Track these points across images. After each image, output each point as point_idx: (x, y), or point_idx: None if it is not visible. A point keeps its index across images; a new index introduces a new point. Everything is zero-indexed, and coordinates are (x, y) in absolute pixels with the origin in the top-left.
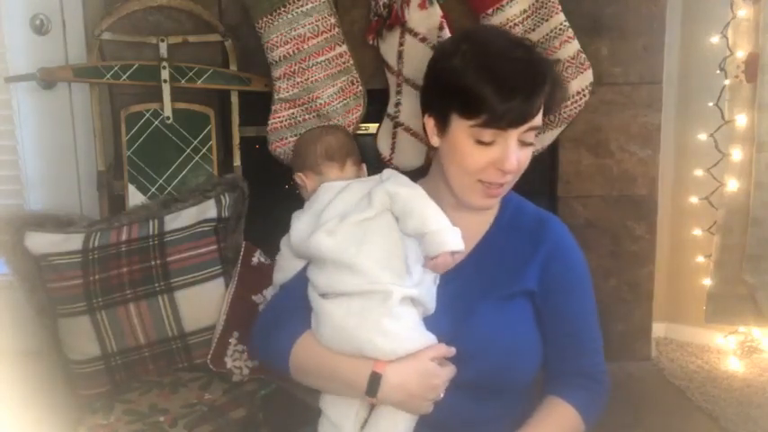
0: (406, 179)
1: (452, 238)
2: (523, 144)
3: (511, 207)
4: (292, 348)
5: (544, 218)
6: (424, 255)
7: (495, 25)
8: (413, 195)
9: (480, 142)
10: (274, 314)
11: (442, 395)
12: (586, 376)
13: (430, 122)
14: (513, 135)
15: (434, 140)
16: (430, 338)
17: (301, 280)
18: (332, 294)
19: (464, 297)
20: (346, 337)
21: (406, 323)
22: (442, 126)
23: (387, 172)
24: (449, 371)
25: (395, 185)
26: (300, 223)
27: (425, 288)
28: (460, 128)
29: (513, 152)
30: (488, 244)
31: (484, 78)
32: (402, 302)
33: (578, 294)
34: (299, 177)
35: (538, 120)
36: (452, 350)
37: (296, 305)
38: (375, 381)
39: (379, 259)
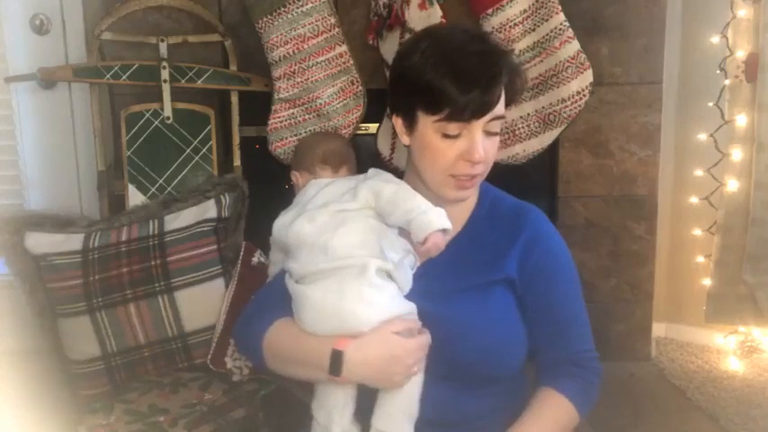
0: (390, 176)
1: (438, 216)
2: (489, 134)
3: (489, 198)
4: (264, 337)
5: (522, 208)
6: (415, 242)
7: (458, 23)
8: (397, 189)
9: (447, 136)
10: (254, 308)
11: (415, 369)
12: (577, 364)
13: (398, 122)
14: (478, 126)
15: (405, 139)
16: (410, 306)
17: (282, 274)
18: (308, 277)
19: (443, 287)
20: (328, 315)
21: (387, 292)
22: (410, 124)
23: (372, 170)
24: (416, 342)
25: (380, 182)
26: (285, 216)
27: (402, 270)
28: (426, 124)
29: (479, 143)
30: (468, 235)
31: (442, 73)
32: (379, 274)
33: (560, 281)
34: (294, 175)
35: (500, 109)
36: (412, 324)
37: (275, 298)
38: (337, 358)
39: (354, 242)
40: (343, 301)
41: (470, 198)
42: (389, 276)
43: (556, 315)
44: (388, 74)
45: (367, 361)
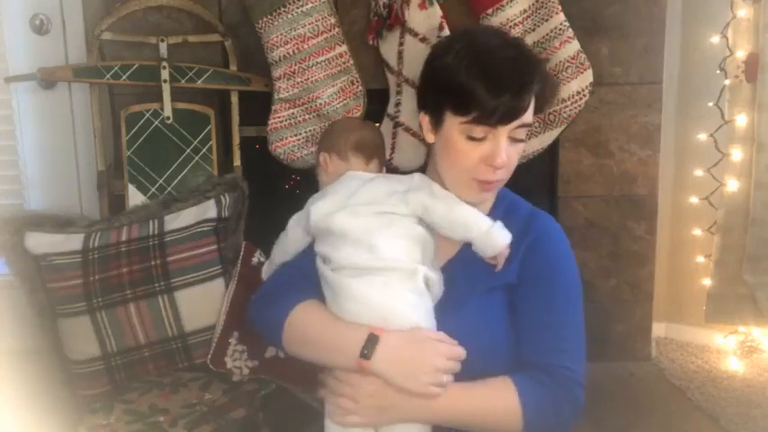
0: (437, 188)
1: (501, 234)
2: (514, 140)
3: (505, 203)
4: (287, 317)
5: (534, 214)
6: (481, 256)
7: (492, 26)
8: (448, 206)
9: (472, 138)
10: (275, 287)
11: (443, 379)
12: (549, 375)
13: (425, 119)
14: (504, 132)
15: (429, 137)
16: (434, 323)
17: (306, 257)
18: (351, 270)
19: (451, 292)
20: (371, 309)
21: (427, 302)
22: (436, 123)
23: (418, 178)
24: (449, 347)
25: (429, 197)
26: (324, 203)
27: (438, 285)
28: (453, 125)
29: (503, 148)
30: None
31: (474, 76)
32: (424, 281)
33: (551, 288)
34: (323, 156)
35: (528, 117)
36: (445, 336)
37: (298, 281)
38: (372, 342)
39: (400, 247)
40: (386, 298)
41: (486, 202)
42: (428, 287)
43: (540, 319)
44: (388, 74)
45: (398, 352)
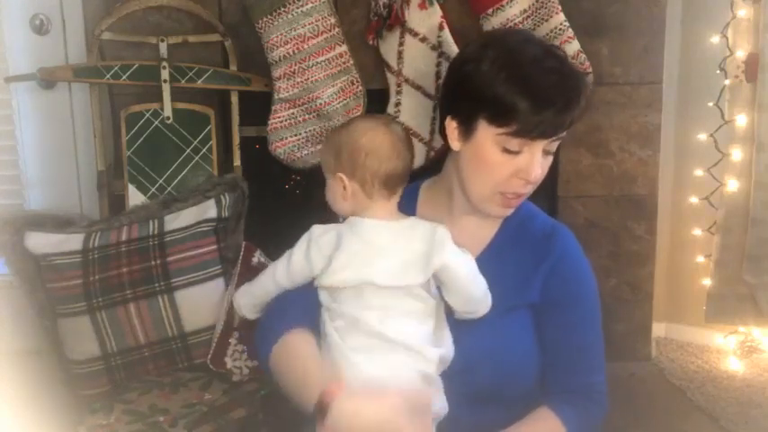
0: (453, 245)
1: (487, 308)
2: (547, 153)
3: (521, 214)
4: (273, 348)
5: (553, 229)
6: (457, 312)
7: (522, 30)
8: (470, 275)
9: (507, 151)
10: (277, 309)
11: None
12: (582, 394)
13: (452, 125)
14: (540, 145)
15: (456, 145)
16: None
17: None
18: (353, 334)
19: None
20: (374, 383)
21: (437, 380)
22: (466, 131)
23: (441, 234)
24: (413, 429)
25: (455, 259)
26: (341, 265)
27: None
28: (487, 135)
29: (538, 162)
30: (493, 252)
31: (517, 88)
32: (435, 362)
33: (578, 310)
34: (342, 180)
35: (565, 130)
36: (424, 400)
37: (297, 307)
38: (323, 407)
39: (412, 325)
40: (396, 379)
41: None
42: (441, 363)
43: (571, 342)
44: (388, 74)
45: (352, 424)
